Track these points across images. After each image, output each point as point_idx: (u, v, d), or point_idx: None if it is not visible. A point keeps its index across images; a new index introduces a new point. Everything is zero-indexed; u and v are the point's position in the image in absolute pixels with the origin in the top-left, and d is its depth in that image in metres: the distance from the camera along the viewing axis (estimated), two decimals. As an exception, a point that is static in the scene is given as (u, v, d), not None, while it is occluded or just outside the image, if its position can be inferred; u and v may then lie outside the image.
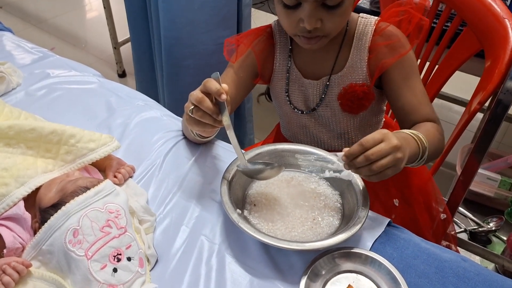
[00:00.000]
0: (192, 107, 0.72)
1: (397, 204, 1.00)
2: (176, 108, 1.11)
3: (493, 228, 1.51)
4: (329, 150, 0.92)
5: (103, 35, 2.61)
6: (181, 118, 1.01)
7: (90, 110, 1.05)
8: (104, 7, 2.26)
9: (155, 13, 1.45)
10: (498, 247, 1.49)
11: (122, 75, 2.51)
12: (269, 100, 1.08)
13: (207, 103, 0.70)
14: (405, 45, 0.87)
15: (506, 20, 0.97)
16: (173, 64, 1.47)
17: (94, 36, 2.89)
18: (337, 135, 0.99)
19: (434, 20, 1.20)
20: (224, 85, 0.71)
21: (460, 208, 1.18)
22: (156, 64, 1.64)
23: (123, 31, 2.40)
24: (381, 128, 1.02)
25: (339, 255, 0.72)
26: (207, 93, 0.71)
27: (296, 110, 0.98)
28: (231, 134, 0.74)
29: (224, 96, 0.70)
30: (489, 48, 1.01)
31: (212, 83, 0.70)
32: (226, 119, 0.72)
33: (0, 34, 1.33)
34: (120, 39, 2.39)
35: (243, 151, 0.81)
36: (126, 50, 2.48)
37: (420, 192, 1.05)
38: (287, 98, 0.98)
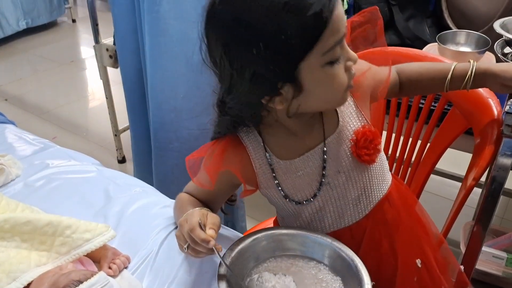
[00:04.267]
0: (186, 245, 0.76)
1: (419, 265, 0.92)
2: (162, 188, 1.14)
3: (506, 309, 1.45)
4: (350, 225, 0.89)
5: (104, 123, 2.69)
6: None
7: (87, 199, 1.06)
8: (106, 97, 2.36)
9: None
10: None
11: (121, 161, 2.55)
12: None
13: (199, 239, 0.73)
14: (379, 62, 0.87)
15: (489, 99, 1.01)
16: (159, 147, 1.52)
17: (95, 124, 2.98)
18: (353, 202, 0.87)
19: (421, 101, 1.26)
20: (211, 232, 0.74)
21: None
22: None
23: (123, 119, 2.49)
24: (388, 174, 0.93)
25: None
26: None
27: (299, 203, 0.88)
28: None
29: (212, 243, 0.73)
30: (476, 126, 1.05)
31: (197, 233, 0.73)
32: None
33: (3, 127, 1.38)
34: (120, 127, 2.46)
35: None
36: (126, 137, 2.54)
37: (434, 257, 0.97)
38: (282, 193, 0.87)
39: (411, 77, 0.91)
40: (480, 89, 1.03)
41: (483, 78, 0.87)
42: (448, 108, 1.16)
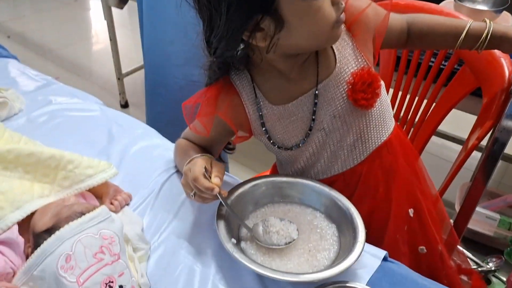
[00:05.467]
0: (193, 192, 0.77)
1: (412, 215, 0.93)
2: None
3: (493, 268, 1.49)
4: (343, 171, 0.89)
5: (108, 66, 2.66)
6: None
7: (90, 138, 1.06)
8: (110, 39, 2.31)
9: None
10: (498, 287, 1.46)
11: (124, 105, 2.54)
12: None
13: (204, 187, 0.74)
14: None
15: (502, 58, 0.99)
16: (148, 90, 1.52)
17: (98, 67, 2.95)
18: (348, 148, 0.87)
19: (432, 59, 1.23)
20: (216, 180, 0.75)
21: (459, 247, 1.17)
22: None
23: (127, 62, 2.46)
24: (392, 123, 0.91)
25: (335, 289, 0.71)
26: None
27: (288, 148, 0.88)
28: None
29: (216, 190, 0.74)
30: (486, 86, 1.03)
31: (201, 182, 0.74)
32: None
33: (5, 61, 1.36)
34: (124, 71, 2.43)
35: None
36: (129, 81, 2.52)
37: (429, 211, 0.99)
38: (270, 140, 0.87)
39: (422, 29, 0.88)
40: (494, 49, 1.01)
41: (498, 41, 0.84)
42: (458, 68, 1.14)
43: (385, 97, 0.87)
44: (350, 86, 0.80)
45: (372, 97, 0.80)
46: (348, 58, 0.82)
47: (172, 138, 1.10)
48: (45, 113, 1.13)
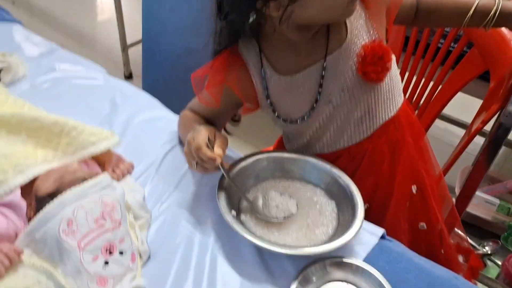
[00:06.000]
0: (195, 162, 0.76)
1: (415, 192, 0.93)
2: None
3: (489, 252, 1.51)
4: (349, 146, 0.88)
5: (112, 37, 2.63)
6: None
7: (93, 106, 1.06)
8: (116, 9, 2.28)
9: None
10: (492, 271, 1.48)
11: (128, 76, 2.53)
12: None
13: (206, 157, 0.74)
14: None
15: (512, 41, 0.98)
16: (145, 57, 1.50)
17: (103, 37, 2.92)
18: (356, 122, 0.86)
19: (441, 41, 1.22)
20: (218, 151, 0.75)
21: (456, 230, 1.18)
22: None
23: (132, 33, 2.43)
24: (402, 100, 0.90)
25: (331, 264, 0.72)
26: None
27: (293, 121, 0.87)
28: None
29: (218, 161, 0.74)
30: (494, 69, 1.02)
31: (204, 152, 0.74)
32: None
33: (9, 25, 1.35)
34: (129, 42, 2.41)
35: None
36: (134, 52, 2.50)
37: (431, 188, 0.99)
38: (273, 108, 0.86)
39: (430, 6, 0.86)
40: (504, 30, 0.99)
41: (506, 19, 0.82)
42: (467, 50, 1.13)
43: (395, 71, 0.86)
44: (360, 59, 0.79)
45: (382, 71, 0.79)
46: (359, 30, 0.80)
47: (168, 106, 1.10)
48: (49, 80, 1.12)
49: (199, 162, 0.76)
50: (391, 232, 0.80)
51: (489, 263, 1.50)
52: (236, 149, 0.96)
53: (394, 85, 0.86)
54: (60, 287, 0.63)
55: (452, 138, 2.14)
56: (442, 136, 2.16)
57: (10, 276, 0.66)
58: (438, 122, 2.17)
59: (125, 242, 0.70)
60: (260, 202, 0.80)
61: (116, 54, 2.59)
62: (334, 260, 0.72)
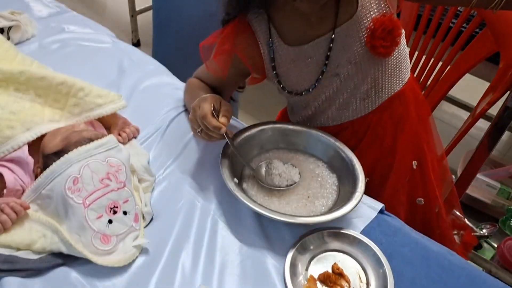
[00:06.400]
0: (200, 129, 0.77)
1: (415, 167, 0.94)
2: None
3: (486, 234, 1.52)
4: (353, 119, 0.88)
5: (121, 2, 2.61)
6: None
7: (100, 69, 1.06)
8: (125, -27, 2.26)
9: None
10: (488, 253, 1.50)
11: (136, 44, 2.52)
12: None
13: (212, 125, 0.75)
14: None
15: (525, 24, 0.97)
16: (159, 24, 1.45)
17: (112, 3, 2.89)
18: (361, 96, 0.86)
19: (453, 20, 1.20)
20: (223, 119, 0.75)
21: (455, 211, 1.19)
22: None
23: (141, 0, 2.40)
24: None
25: (329, 234, 0.73)
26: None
27: (298, 93, 0.87)
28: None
29: (223, 130, 0.74)
30: (505, 50, 1.01)
31: (209, 120, 0.74)
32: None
33: (19, -16, 1.33)
34: (138, 8, 2.39)
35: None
36: (143, 19, 2.48)
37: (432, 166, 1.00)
38: (278, 80, 0.87)
39: None
40: (519, 12, 0.98)
41: None
42: (478, 31, 1.11)
43: (403, 46, 0.85)
44: (369, 32, 0.79)
45: (391, 45, 0.79)
46: (370, 3, 0.79)
47: (178, 74, 1.10)
48: (58, 41, 1.12)
49: (204, 130, 0.76)
50: (389, 204, 0.82)
51: (485, 245, 1.52)
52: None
53: (402, 60, 0.86)
54: (65, 242, 0.65)
55: (458, 122, 2.14)
56: (449, 119, 2.15)
57: (17, 229, 0.68)
58: (445, 106, 2.16)
59: (129, 202, 0.72)
60: (263, 170, 0.81)
61: (124, 21, 2.56)
62: (332, 231, 0.73)
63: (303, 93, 0.87)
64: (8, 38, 1.08)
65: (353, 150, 0.84)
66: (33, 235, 0.67)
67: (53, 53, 1.09)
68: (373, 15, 0.79)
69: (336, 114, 0.89)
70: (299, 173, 0.81)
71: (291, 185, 0.79)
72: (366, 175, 0.79)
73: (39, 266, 0.65)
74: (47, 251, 0.67)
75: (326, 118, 0.90)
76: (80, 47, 1.12)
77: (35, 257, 0.66)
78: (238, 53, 0.83)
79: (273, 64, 0.85)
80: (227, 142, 0.80)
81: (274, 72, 0.86)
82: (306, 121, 0.93)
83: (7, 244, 0.66)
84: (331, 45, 0.81)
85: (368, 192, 0.82)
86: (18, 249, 0.67)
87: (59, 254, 0.67)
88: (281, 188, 0.79)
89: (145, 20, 2.53)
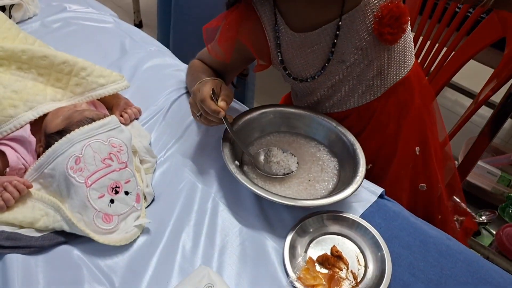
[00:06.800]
0: (199, 114, 0.77)
1: (418, 153, 0.94)
2: (177, 55, 1.11)
3: (485, 221, 1.53)
4: (359, 106, 0.88)
5: (124, -18, 2.58)
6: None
7: (103, 49, 1.06)
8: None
9: None
10: (486, 239, 1.51)
11: (138, 25, 2.49)
12: None
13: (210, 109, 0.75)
14: None
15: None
16: (180, 11, 1.44)
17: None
18: (367, 83, 0.86)
19: (459, 5, 1.18)
20: (222, 104, 0.75)
21: (455, 198, 1.19)
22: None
23: (144, -20, 2.38)
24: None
25: (328, 217, 0.74)
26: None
27: (304, 80, 0.87)
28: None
29: (222, 114, 0.74)
30: (511, 36, 1.00)
31: (208, 104, 0.74)
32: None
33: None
34: (140, -12, 2.36)
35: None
36: (145, 0, 2.45)
37: (435, 151, 1.00)
38: (284, 66, 0.86)
39: None
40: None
41: (508, 1, 0.81)
42: (484, 16, 1.10)
43: (409, 32, 0.85)
44: (377, 19, 0.78)
45: (398, 33, 0.79)
46: None
47: (182, 57, 1.09)
48: (60, 20, 1.12)
49: (203, 114, 0.76)
50: (392, 190, 0.82)
51: (484, 232, 1.53)
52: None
53: (407, 47, 0.85)
54: (67, 220, 0.66)
55: (461, 109, 2.13)
56: (452, 106, 2.15)
57: (20, 207, 0.69)
58: (449, 93, 2.15)
59: (131, 183, 0.72)
60: (261, 158, 0.81)
61: (127, 1, 2.54)
62: (332, 214, 0.74)
63: (309, 80, 0.86)
64: (10, 17, 1.07)
65: (357, 136, 0.84)
66: (35, 213, 0.68)
67: (54, 32, 1.08)
68: (381, 2, 0.78)
69: (342, 101, 0.89)
70: (297, 162, 0.81)
71: (288, 173, 0.80)
72: (369, 161, 0.79)
73: (41, 243, 0.66)
74: (50, 229, 0.68)
75: (331, 105, 0.90)
76: (82, 26, 1.11)
77: (38, 235, 0.67)
78: (243, 40, 0.82)
79: (278, 50, 0.84)
80: (229, 124, 0.80)
81: (280, 59, 0.85)
82: (311, 108, 0.93)
83: (10, 221, 0.67)
84: (337, 32, 0.80)
85: (371, 178, 0.82)
86: (21, 227, 0.68)
87: (61, 232, 0.67)
88: (278, 176, 0.79)
89: (148, 0, 2.51)
